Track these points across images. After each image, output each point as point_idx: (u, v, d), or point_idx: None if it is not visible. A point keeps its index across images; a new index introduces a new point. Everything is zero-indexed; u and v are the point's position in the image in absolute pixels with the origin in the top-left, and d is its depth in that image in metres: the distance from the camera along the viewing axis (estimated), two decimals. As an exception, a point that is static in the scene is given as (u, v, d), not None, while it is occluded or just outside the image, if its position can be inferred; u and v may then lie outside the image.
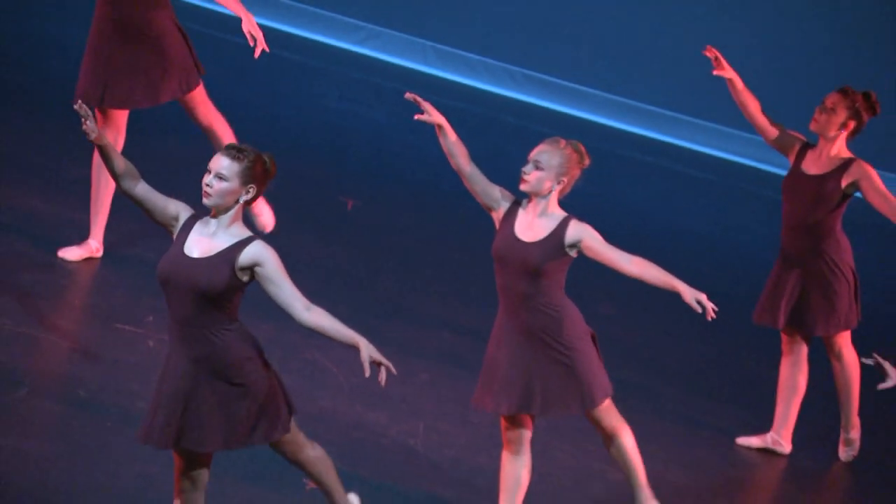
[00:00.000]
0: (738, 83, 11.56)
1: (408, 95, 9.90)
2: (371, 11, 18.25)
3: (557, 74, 18.17)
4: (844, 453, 11.81)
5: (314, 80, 15.14)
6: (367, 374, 8.15)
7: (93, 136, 8.30)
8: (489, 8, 18.31)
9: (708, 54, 11.59)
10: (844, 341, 11.58)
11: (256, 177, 8.30)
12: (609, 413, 9.85)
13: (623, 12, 18.35)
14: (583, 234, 9.46)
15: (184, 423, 8.41)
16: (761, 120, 11.54)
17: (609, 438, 9.98)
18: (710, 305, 9.20)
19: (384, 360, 8.14)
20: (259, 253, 8.14)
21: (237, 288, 8.21)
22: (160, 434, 8.34)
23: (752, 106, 11.60)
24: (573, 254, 9.39)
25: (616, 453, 9.97)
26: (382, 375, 8.23)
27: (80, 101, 8.72)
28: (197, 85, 11.79)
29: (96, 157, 11.48)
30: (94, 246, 11.73)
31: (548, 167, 9.46)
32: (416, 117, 9.86)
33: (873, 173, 11.33)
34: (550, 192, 9.47)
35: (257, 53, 11.55)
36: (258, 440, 8.49)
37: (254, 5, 14.23)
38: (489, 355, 9.77)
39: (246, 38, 11.85)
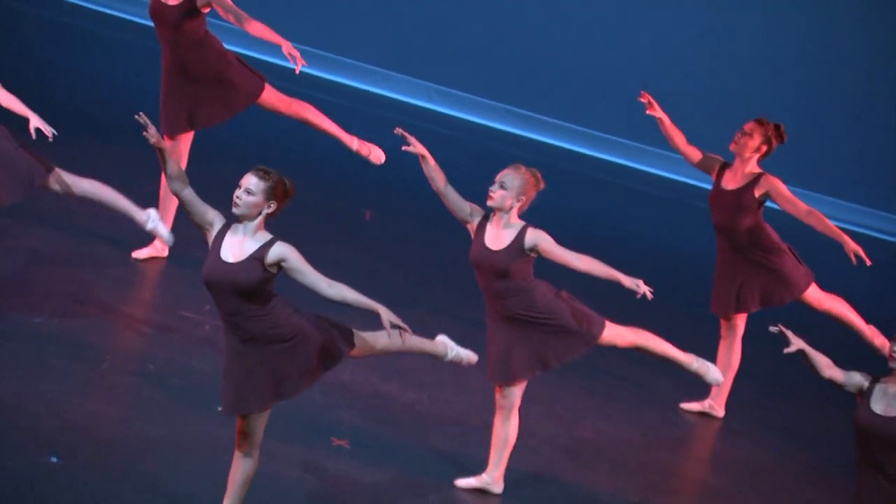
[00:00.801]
0: (666, 121, 11.77)
1: (396, 130, 10.11)
2: (384, 58, 18.42)
3: (531, 109, 18.41)
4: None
5: (339, 114, 15.21)
6: (389, 335, 8.53)
7: (153, 140, 8.61)
8: (479, 57, 18.44)
9: (642, 99, 11.83)
10: (818, 294, 11.77)
11: (278, 195, 8.50)
12: (618, 334, 10.15)
13: (587, 62, 18.49)
14: (538, 239, 9.69)
15: (240, 391, 8.59)
16: (685, 148, 11.77)
17: (637, 349, 10.29)
18: (646, 289, 9.47)
19: (401, 323, 8.36)
20: (282, 251, 8.36)
21: (269, 280, 8.43)
22: (227, 405, 8.60)
23: (678, 138, 11.82)
24: (533, 255, 9.61)
25: (649, 354, 10.35)
26: (405, 331, 8.45)
27: (140, 113, 8.89)
28: (262, 90, 11.85)
29: (164, 176, 11.52)
30: (159, 246, 11.83)
31: (510, 188, 9.70)
32: (403, 148, 10.03)
33: (780, 184, 11.53)
34: (511, 207, 9.66)
35: (298, 70, 11.48)
36: (331, 366, 8.79)
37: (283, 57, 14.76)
38: (487, 338, 10.04)
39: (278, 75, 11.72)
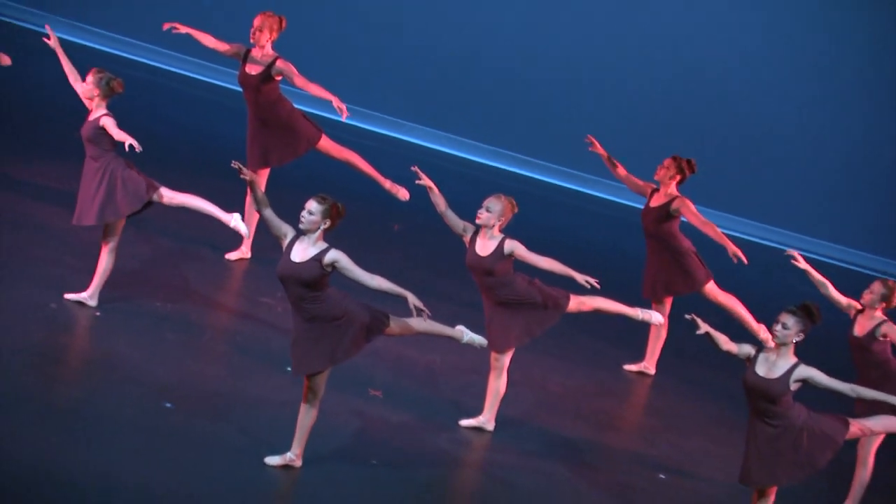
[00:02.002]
0: (606, 156, 11.88)
1: (413, 168, 10.21)
2: (408, 113, 18.06)
3: (510, 149, 18.09)
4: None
5: (375, 156, 15.18)
6: (415, 314, 8.61)
7: (246, 176, 8.95)
8: (473, 112, 18.12)
9: (586, 140, 11.95)
10: (715, 290, 11.74)
11: (332, 215, 8.64)
12: (580, 303, 10.19)
13: (553, 117, 18.07)
14: (513, 247, 9.82)
15: (305, 357, 8.78)
16: (625, 178, 11.84)
17: (596, 311, 10.32)
18: (593, 281, 9.63)
19: (423, 306, 8.56)
20: (335, 255, 8.56)
21: (325, 276, 8.55)
22: (295, 367, 8.79)
23: (618, 169, 11.90)
24: (511, 258, 9.79)
25: (605, 313, 10.36)
26: (425, 313, 8.62)
27: (235, 161, 9.22)
28: (320, 138, 11.81)
29: (248, 196, 11.59)
30: (245, 250, 11.91)
31: (493, 210, 9.83)
32: (416, 182, 10.18)
33: (689, 204, 11.52)
34: (494, 225, 9.82)
35: (344, 118, 11.45)
36: (372, 338, 8.93)
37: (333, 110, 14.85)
38: (485, 318, 10.19)
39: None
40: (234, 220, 10.08)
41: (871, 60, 18.00)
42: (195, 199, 10.29)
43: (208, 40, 11.69)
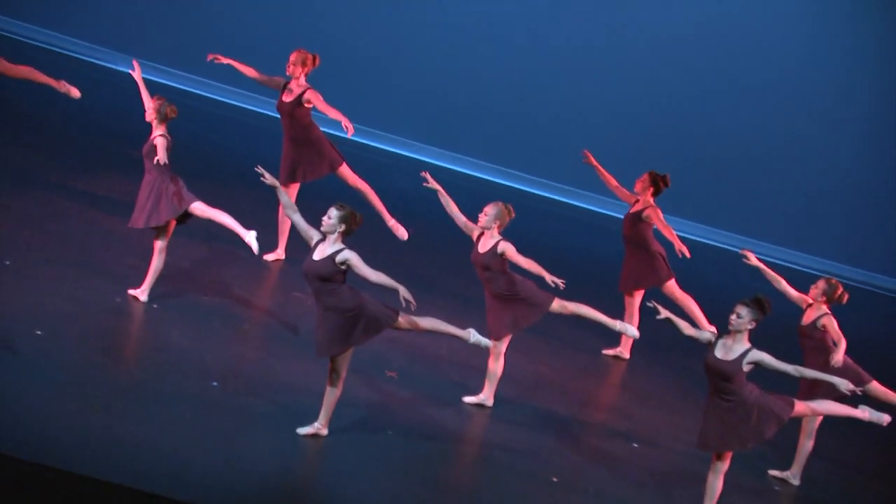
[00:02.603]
0: (599, 168, 11.87)
1: (423, 173, 10.29)
2: (419, 134, 17.59)
3: (512, 167, 17.67)
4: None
5: (389, 170, 15.32)
6: (404, 305, 8.69)
7: (268, 181, 9.14)
8: (475, 132, 17.69)
9: (582, 154, 12.01)
10: (674, 289, 11.72)
11: (348, 221, 8.72)
12: (563, 306, 10.12)
13: (550, 135, 17.65)
14: (504, 248, 9.84)
15: (324, 341, 8.84)
16: (615, 188, 11.82)
17: (576, 316, 10.22)
18: (559, 281, 9.67)
19: (411, 298, 8.57)
20: (346, 255, 8.66)
21: (338, 272, 8.66)
22: (318, 350, 8.84)
23: (610, 180, 11.86)
24: (503, 256, 9.83)
25: (585, 318, 10.25)
26: (412, 304, 8.58)
27: (258, 165, 9.42)
28: (340, 165, 11.71)
29: (281, 207, 11.51)
30: (280, 252, 11.84)
31: (491, 215, 9.89)
32: (423, 185, 10.19)
33: (658, 212, 11.58)
34: (492, 227, 9.91)
35: (349, 135, 11.36)
36: (382, 329, 8.92)
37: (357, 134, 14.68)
38: (486, 309, 10.22)
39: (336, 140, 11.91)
40: (249, 236, 10.04)
41: (845, 81, 17.55)
42: (222, 214, 10.26)
43: (250, 72, 11.73)
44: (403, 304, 8.70)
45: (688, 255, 11.52)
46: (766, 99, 17.66)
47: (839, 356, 9.93)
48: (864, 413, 8.99)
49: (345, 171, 11.76)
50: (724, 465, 9.01)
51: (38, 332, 9.19)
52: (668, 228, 11.52)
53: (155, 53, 16.81)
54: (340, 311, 8.78)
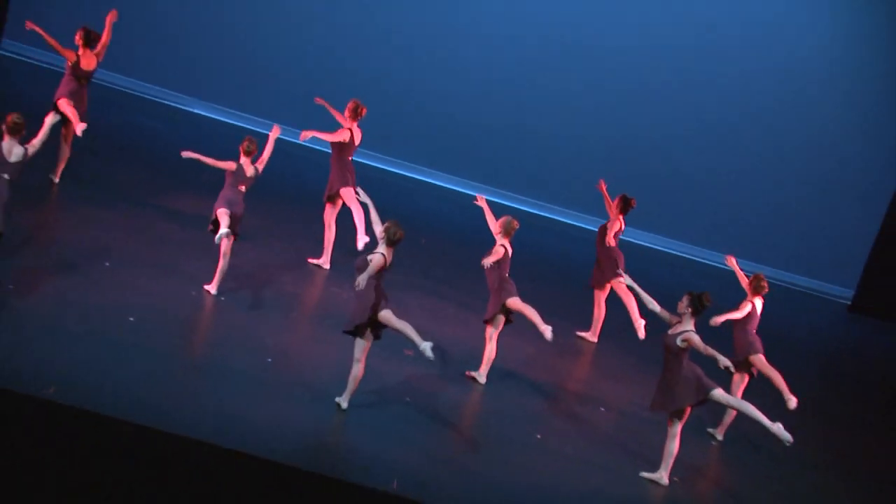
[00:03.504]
0: (607, 197, 11.55)
1: (477, 197, 10.36)
2: (433, 162, 16.63)
3: (514, 191, 16.65)
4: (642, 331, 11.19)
5: (411, 192, 15.18)
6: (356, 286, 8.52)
7: (360, 197, 9.23)
8: (489, 162, 16.70)
9: (598, 184, 11.68)
10: (617, 286, 11.30)
11: (389, 234, 8.65)
12: (517, 305, 9.82)
13: (554, 167, 16.70)
14: (494, 248, 9.80)
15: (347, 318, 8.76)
16: (610, 208, 11.49)
17: (520, 314, 9.87)
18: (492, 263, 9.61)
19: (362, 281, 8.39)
20: (371, 256, 8.59)
21: (366, 265, 8.54)
22: (346, 326, 8.69)
23: (609, 204, 11.53)
24: (491, 254, 9.75)
25: (526, 318, 9.85)
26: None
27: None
28: (344, 188, 11.26)
29: (325, 219, 11.53)
30: (324, 260, 11.59)
31: (493, 224, 9.98)
32: (474, 202, 10.33)
33: (613, 226, 11.38)
34: (497, 232, 9.91)
35: (301, 139, 10.89)
36: (366, 318, 8.58)
37: (383, 160, 14.74)
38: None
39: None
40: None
41: (788, 106, 16.48)
42: (223, 214, 9.96)
43: (334, 137, 11.32)
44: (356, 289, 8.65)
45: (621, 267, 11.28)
46: (730, 133, 16.74)
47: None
48: (775, 426, 8.75)
49: (347, 193, 11.31)
50: (677, 429, 9.02)
51: (131, 319, 9.26)
52: (608, 239, 11.45)
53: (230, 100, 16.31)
54: (355, 298, 8.73)
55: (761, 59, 16.37)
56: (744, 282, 10.33)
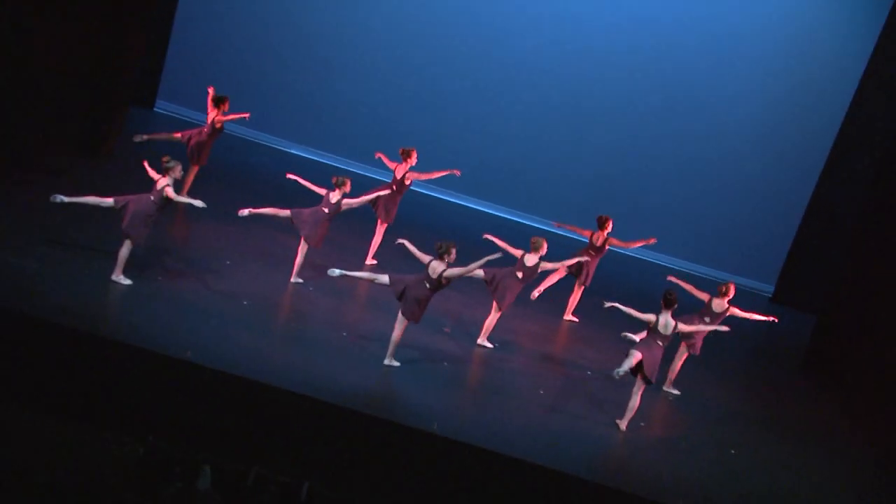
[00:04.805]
0: (576, 229, 10.96)
1: (486, 237, 9.75)
2: (466, 189, 14.44)
3: (525, 210, 14.84)
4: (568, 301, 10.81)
5: (438, 212, 13.99)
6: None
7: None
8: (507, 180, 14.71)
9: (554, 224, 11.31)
10: (582, 285, 10.86)
11: (437, 247, 8.52)
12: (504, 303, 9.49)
13: (566, 191, 14.63)
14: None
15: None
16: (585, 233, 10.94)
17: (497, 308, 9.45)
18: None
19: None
20: (432, 265, 8.40)
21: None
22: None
23: (581, 231, 10.95)
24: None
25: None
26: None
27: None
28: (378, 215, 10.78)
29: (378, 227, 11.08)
30: (370, 260, 11.02)
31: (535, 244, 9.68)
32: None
33: (600, 236, 10.76)
34: (539, 247, 9.63)
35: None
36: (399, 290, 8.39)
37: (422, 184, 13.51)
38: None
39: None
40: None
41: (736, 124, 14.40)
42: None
43: (427, 176, 10.81)
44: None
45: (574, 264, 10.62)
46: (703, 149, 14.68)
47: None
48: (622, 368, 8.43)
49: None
50: (641, 389, 8.82)
51: (245, 302, 9.28)
52: (582, 255, 10.84)
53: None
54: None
55: (687, 69, 14.22)
56: (698, 294, 9.65)
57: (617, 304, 8.64)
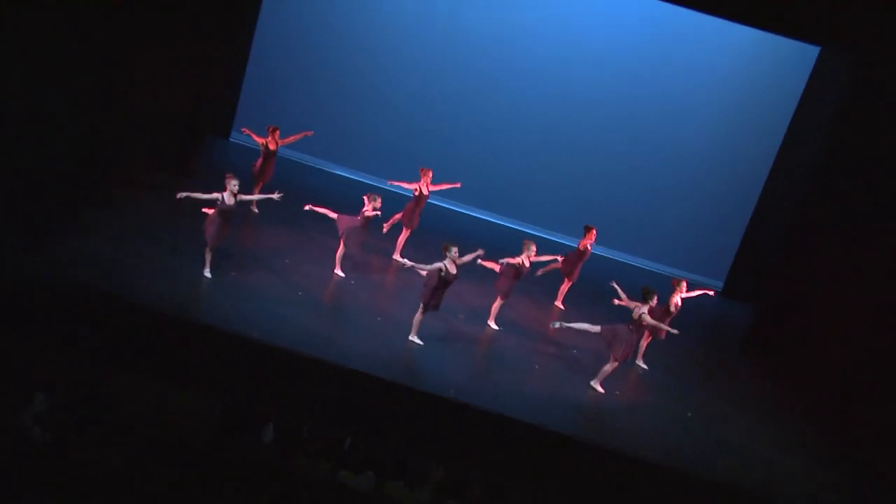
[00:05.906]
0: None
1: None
2: (480, 203, 13.48)
3: (531, 221, 13.63)
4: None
5: (461, 224, 13.10)
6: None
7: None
8: (521, 196, 13.38)
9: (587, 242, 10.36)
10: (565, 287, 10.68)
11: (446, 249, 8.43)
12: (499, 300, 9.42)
13: (561, 201, 13.53)
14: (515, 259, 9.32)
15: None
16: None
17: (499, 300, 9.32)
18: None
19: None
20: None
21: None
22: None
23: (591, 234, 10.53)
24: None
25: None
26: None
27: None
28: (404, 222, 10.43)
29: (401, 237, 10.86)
30: (397, 255, 10.58)
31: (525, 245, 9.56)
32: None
33: (586, 241, 10.40)
34: (530, 249, 9.49)
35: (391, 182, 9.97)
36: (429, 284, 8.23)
37: (448, 198, 12.88)
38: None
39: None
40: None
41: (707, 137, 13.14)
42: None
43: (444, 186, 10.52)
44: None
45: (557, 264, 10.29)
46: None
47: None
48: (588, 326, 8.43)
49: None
50: (614, 365, 8.90)
51: (300, 293, 9.18)
52: (570, 255, 10.64)
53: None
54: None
55: (646, 75, 12.83)
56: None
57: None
